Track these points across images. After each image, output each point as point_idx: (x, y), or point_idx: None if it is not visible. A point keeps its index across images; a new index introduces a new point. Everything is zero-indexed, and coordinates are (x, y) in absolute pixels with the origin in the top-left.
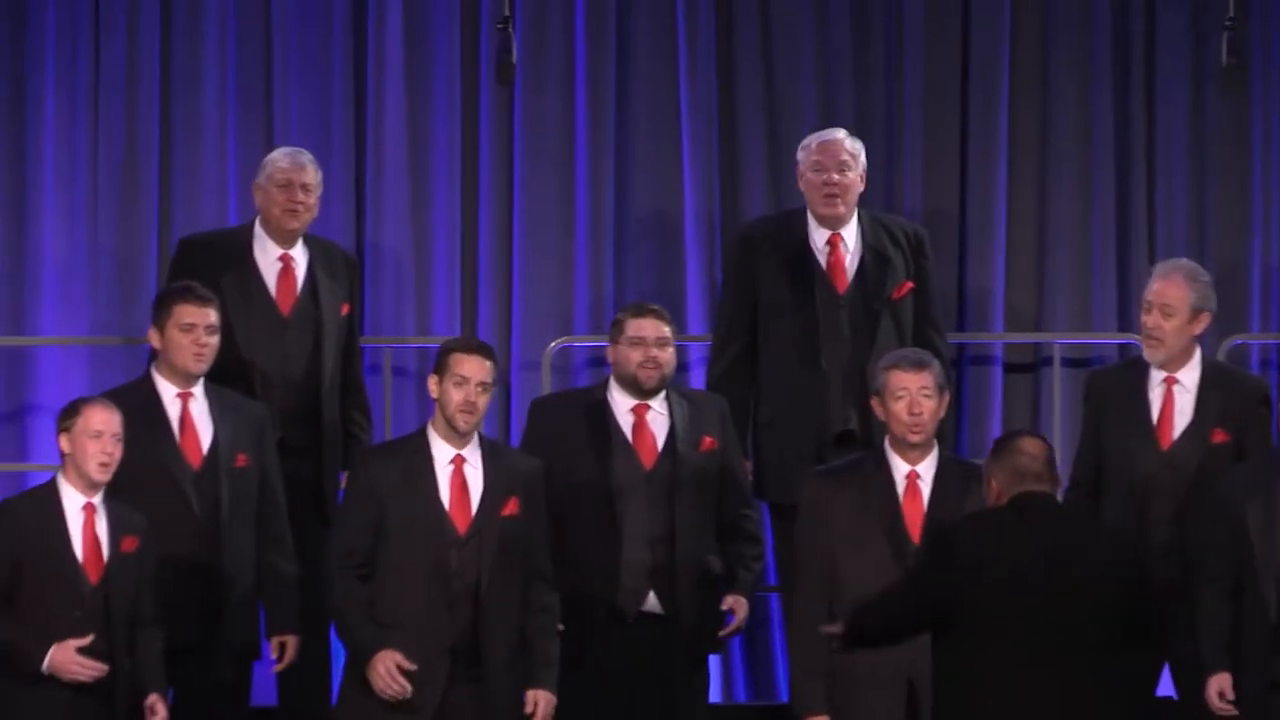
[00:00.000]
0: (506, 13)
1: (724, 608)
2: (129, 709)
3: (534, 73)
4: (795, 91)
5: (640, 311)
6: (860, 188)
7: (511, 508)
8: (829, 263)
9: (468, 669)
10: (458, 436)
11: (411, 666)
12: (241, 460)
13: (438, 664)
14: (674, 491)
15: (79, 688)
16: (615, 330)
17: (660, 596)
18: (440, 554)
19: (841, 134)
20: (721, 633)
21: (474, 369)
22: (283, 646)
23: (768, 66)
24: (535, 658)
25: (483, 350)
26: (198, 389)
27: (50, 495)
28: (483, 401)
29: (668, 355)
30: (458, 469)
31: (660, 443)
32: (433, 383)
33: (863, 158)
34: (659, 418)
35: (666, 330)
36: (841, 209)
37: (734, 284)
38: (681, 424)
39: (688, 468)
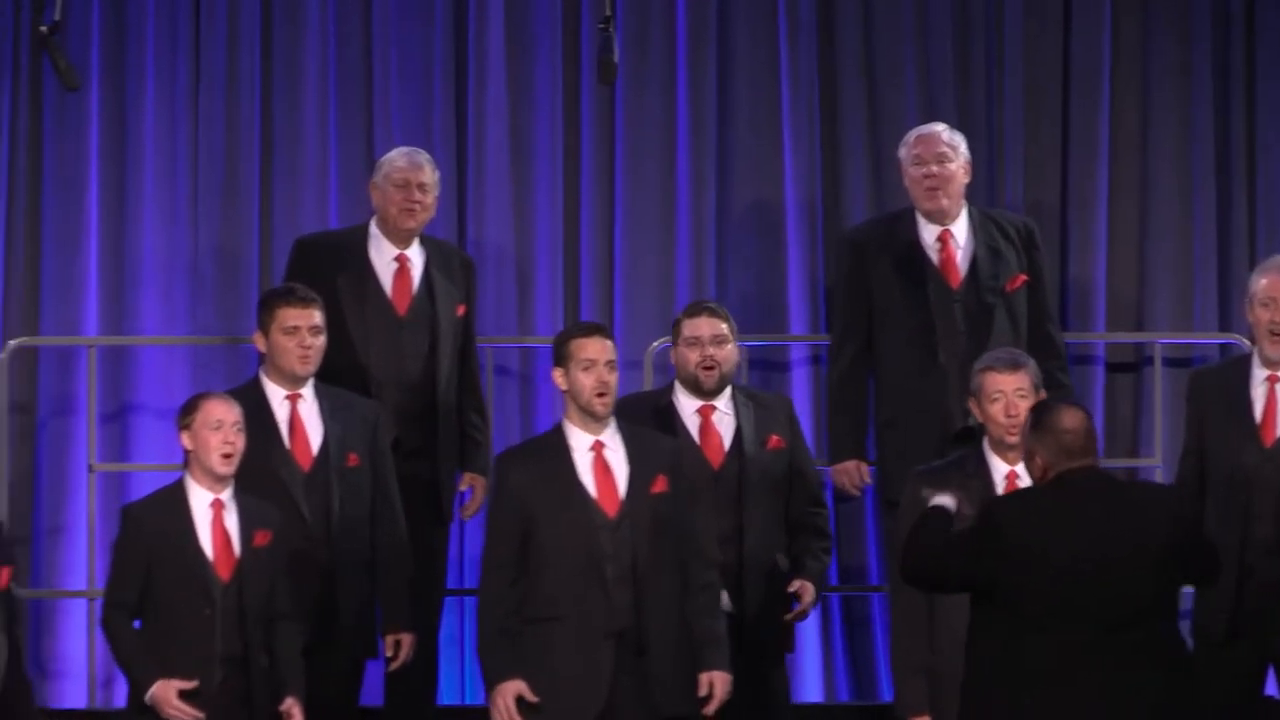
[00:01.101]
0: (608, 12)
1: (790, 589)
2: (268, 707)
3: (636, 72)
4: (896, 88)
5: (695, 311)
6: (964, 179)
7: (660, 485)
8: (941, 259)
9: (634, 654)
10: (595, 422)
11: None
12: (353, 460)
13: (602, 651)
14: (741, 491)
15: (220, 687)
16: (674, 331)
17: (731, 596)
18: (591, 539)
19: (940, 127)
20: (787, 616)
21: (598, 350)
22: (397, 645)
23: (868, 63)
24: (702, 637)
25: (601, 330)
26: (306, 390)
27: (177, 494)
28: (613, 380)
29: (725, 353)
30: (598, 454)
31: (727, 443)
32: (558, 375)
33: (963, 149)
34: (725, 418)
35: (723, 328)
36: (944, 201)
37: (845, 290)
38: (747, 424)
39: (755, 467)
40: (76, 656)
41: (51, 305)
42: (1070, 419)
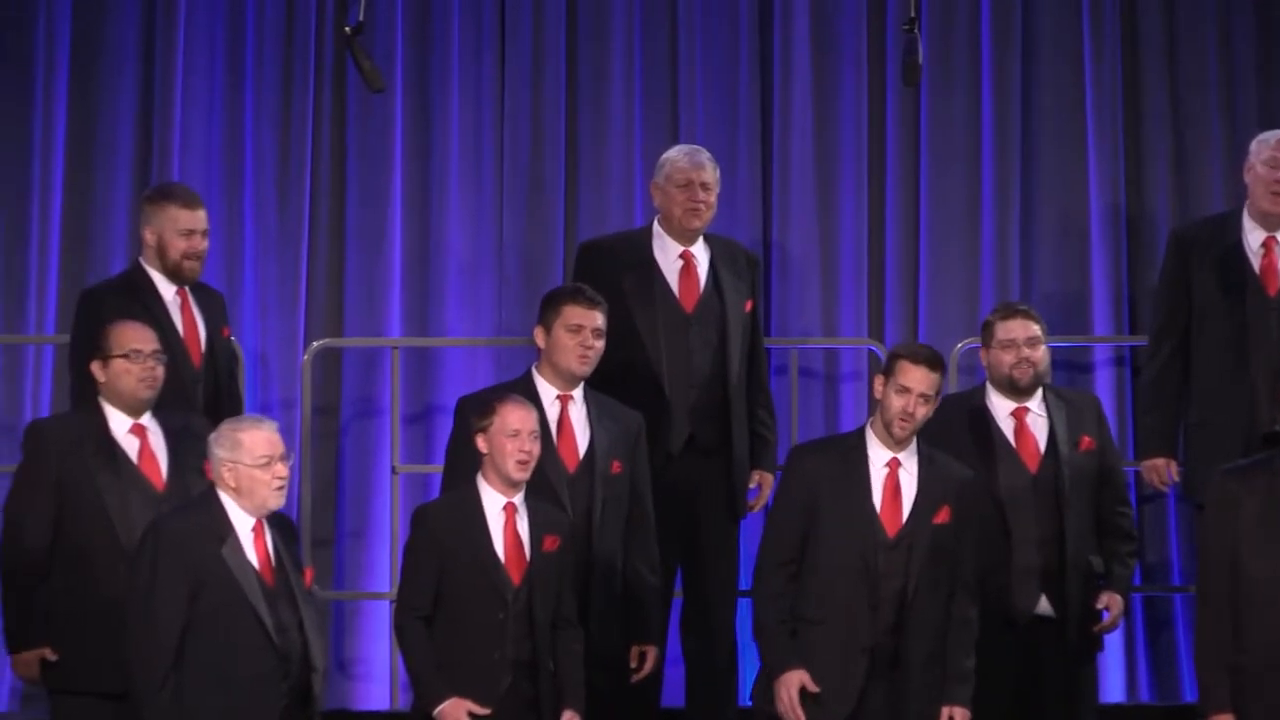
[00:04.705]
0: (913, 14)
1: (1099, 606)
2: (553, 711)
3: (940, 74)
4: (1200, 90)
5: (1009, 313)
6: None
7: (943, 516)
8: (1261, 265)
9: (885, 671)
10: (894, 441)
11: None
12: (616, 467)
13: (855, 664)
14: (1059, 493)
15: (508, 692)
16: (985, 334)
17: (1051, 599)
18: (868, 555)
19: None
20: (1096, 628)
21: (917, 380)
22: (642, 656)
23: (1172, 65)
24: (951, 671)
25: (929, 361)
26: (577, 392)
27: (470, 497)
28: (921, 412)
29: (1039, 354)
30: (892, 472)
31: (1042, 445)
32: (878, 383)
33: None
34: (1038, 420)
35: (1036, 329)
36: None
37: (1167, 286)
38: (1060, 425)
39: (1071, 469)
40: (379, 658)
41: (355, 307)
42: None
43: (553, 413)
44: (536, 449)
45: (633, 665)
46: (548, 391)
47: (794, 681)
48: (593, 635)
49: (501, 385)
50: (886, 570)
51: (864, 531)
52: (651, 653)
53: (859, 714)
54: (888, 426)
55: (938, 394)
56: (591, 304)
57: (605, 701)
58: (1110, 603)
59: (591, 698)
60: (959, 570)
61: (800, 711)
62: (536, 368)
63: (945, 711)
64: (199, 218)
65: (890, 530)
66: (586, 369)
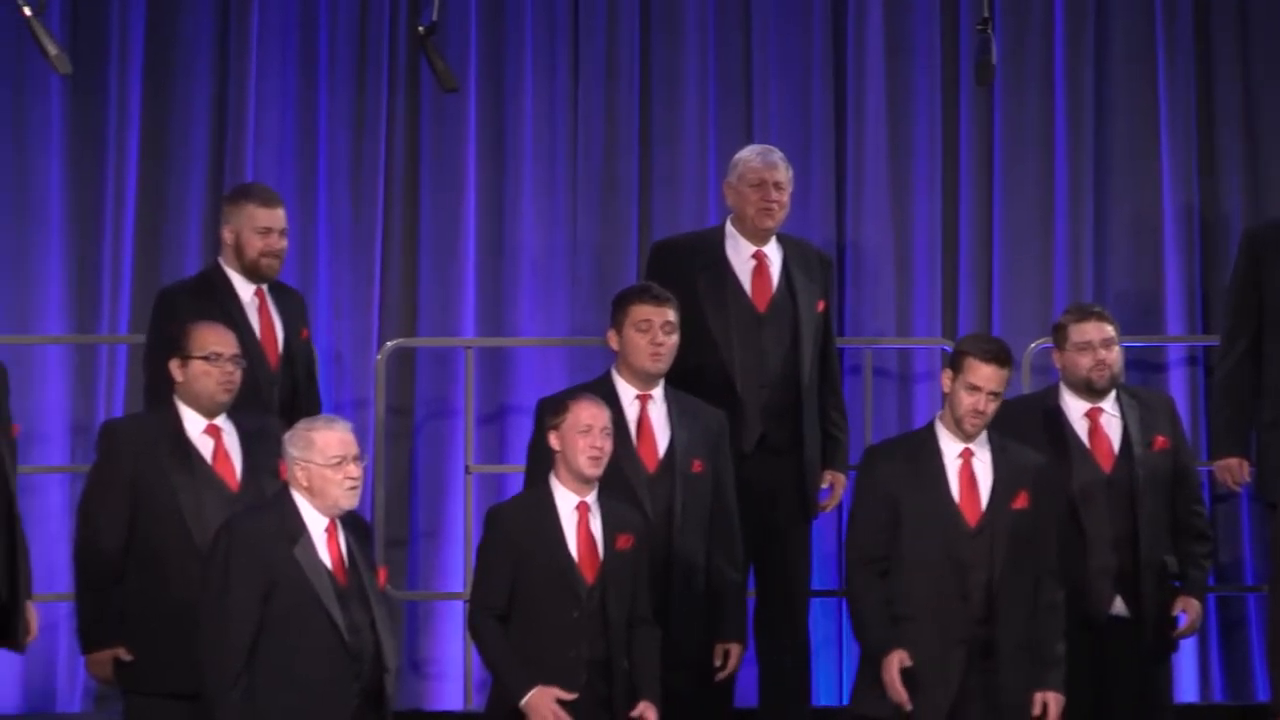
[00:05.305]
0: (986, 14)
1: (1175, 611)
2: (627, 711)
3: (1013, 73)
4: (1273, 89)
5: (1083, 315)
6: None
7: (1022, 501)
8: None
9: (981, 661)
10: (964, 435)
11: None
12: (697, 466)
13: (952, 655)
14: (1134, 494)
15: (583, 689)
16: (1059, 335)
17: (1126, 599)
18: (952, 547)
19: None
20: (1175, 633)
21: (986, 378)
22: (726, 654)
23: (1245, 66)
24: (1043, 657)
25: (999, 358)
26: (657, 392)
27: (543, 495)
28: (991, 409)
29: (1115, 355)
30: (966, 463)
31: (1116, 445)
32: (946, 377)
33: None
34: (1112, 420)
35: (1110, 330)
36: None
37: (1239, 285)
38: (1134, 425)
39: (1145, 469)
40: (453, 658)
41: (429, 307)
42: None
43: (632, 413)
44: (608, 446)
45: (716, 664)
46: (627, 392)
47: (894, 661)
48: (675, 635)
49: (580, 386)
50: (972, 560)
51: (946, 523)
52: (735, 650)
53: (958, 705)
54: (958, 422)
55: (1007, 386)
56: (659, 300)
57: (680, 702)
58: (1187, 607)
59: (666, 698)
60: (1042, 556)
61: (902, 688)
62: (615, 369)
63: (1039, 698)
64: (277, 216)
65: (971, 520)
66: (661, 365)
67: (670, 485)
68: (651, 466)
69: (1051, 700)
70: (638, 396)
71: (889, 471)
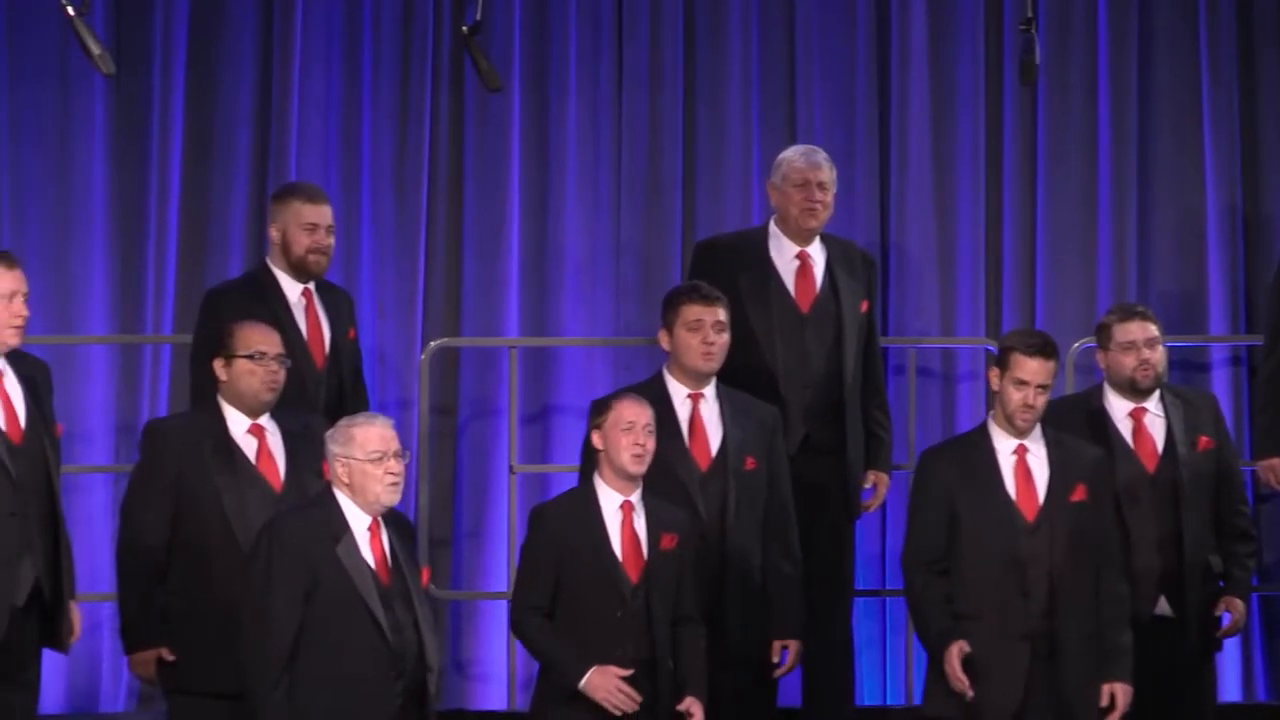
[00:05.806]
0: (1030, 14)
1: (1218, 612)
2: (671, 709)
3: (1057, 73)
4: None
5: (1127, 315)
6: None
7: (1079, 494)
8: None
9: (1047, 657)
10: (1017, 431)
11: None
12: (750, 463)
13: (1017, 652)
14: (1178, 494)
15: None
16: (1103, 335)
17: (1170, 599)
18: (1011, 543)
19: None
20: (1219, 633)
21: (1033, 372)
22: (784, 650)
23: None
24: (1108, 648)
25: (1044, 351)
26: (709, 390)
27: (587, 495)
28: (1041, 401)
29: (1159, 355)
30: (1020, 459)
31: (1160, 445)
32: (994, 376)
33: None
34: (1156, 420)
35: (1154, 330)
36: None
37: (1278, 286)
38: (1178, 425)
39: (1188, 469)
40: (497, 658)
41: (473, 306)
42: None
43: (684, 412)
44: (651, 444)
45: (774, 660)
46: (678, 391)
47: (954, 651)
48: (732, 635)
49: (630, 386)
50: (1031, 555)
51: (1003, 520)
52: (794, 647)
53: (1024, 700)
54: (1010, 419)
55: (1054, 379)
56: (709, 300)
57: (724, 701)
58: (1230, 607)
59: (712, 698)
60: (1103, 547)
61: (963, 676)
62: (667, 368)
63: (1106, 689)
64: (323, 213)
65: (1029, 515)
66: (713, 364)
67: (724, 484)
68: (704, 465)
69: (1119, 691)
70: (689, 395)
71: (944, 472)
